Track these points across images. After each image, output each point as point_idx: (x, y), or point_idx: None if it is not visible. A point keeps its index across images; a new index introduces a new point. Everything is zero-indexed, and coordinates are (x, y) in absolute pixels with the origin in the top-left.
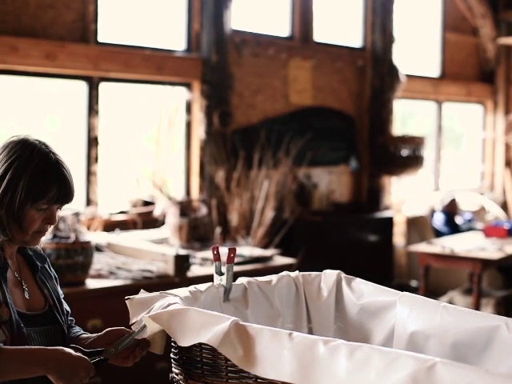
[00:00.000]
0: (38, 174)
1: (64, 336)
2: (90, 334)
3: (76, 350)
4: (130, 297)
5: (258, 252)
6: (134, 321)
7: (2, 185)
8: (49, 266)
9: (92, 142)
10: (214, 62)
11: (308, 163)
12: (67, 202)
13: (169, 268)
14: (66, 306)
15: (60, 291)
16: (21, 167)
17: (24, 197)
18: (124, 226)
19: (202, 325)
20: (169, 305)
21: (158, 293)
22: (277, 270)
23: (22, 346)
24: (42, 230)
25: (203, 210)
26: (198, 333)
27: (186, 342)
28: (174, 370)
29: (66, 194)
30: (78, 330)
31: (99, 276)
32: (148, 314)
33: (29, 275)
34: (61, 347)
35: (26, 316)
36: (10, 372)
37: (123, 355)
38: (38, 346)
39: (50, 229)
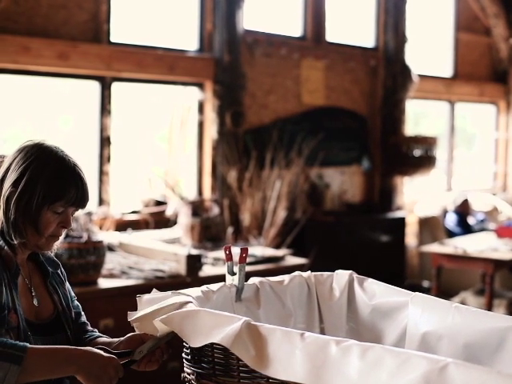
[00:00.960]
0: (55, 175)
1: (70, 344)
2: (109, 339)
3: (103, 351)
4: (141, 295)
5: (270, 252)
6: (133, 317)
7: (18, 187)
8: (61, 272)
9: (104, 141)
10: (227, 62)
11: (320, 163)
12: (83, 206)
13: (181, 268)
14: (81, 311)
15: (72, 293)
16: (38, 169)
17: (42, 198)
18: (136, 225)
19: (214, 326)
20: (180, 305)
21: (169, 292)
22: (289, 270)
23: None
24: (57, 234)
25: (215, 210)
26: (209, 333)
27: (197, 343)
28: (185, 369)
29: (83, 197)
30: (93, 333)
31: (111, 276)
32: (159, 318)
33: (39, 282)
34: (89, 347)
35: (33, 325)
36: (39, 371)
37: (147, 359)
38: None
39: (64, 233)
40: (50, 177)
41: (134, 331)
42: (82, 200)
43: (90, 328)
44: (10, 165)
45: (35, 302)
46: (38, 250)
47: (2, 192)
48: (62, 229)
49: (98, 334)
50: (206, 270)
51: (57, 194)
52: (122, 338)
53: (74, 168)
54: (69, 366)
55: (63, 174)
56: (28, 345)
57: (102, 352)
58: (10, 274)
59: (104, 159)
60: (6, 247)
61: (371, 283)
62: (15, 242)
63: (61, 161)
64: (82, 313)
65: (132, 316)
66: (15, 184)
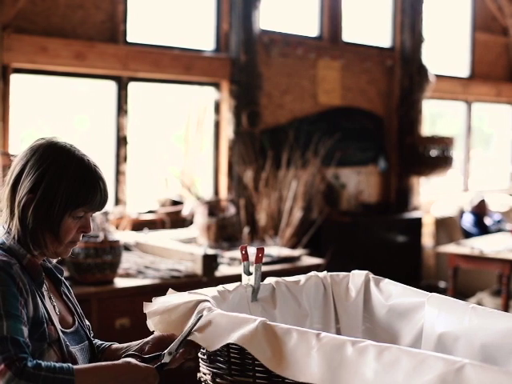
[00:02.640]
0: (77, 179)
1: (94, 351)
2: (122, 344)
3: (136, 357)
4: (156, 298)
5: (286, 252)
6: (148, 310)
7: (36, 194)
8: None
9: (121, 141)
10: (243, 62)
11: (336, 163)
12: (103, 208)
13: (197, 267)
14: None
15: None
16: (58, 172)
17: (64, 204)
18: (152, 225)
19: (229, 327)
20: (196, 303)
21: (185, 292)
22: (305, 270)
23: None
24: (76, 240)
25: (231, 210)
26: (225, 335)
27: (213, 346)
28: (201, 369)
29: (106, 200)
30: (101, 341)
31: (127, 275)
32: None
33: (53, 289)
34: (126, 360)
35: (65, 334)
36: None
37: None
38: (82, 364)
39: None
40: (71, 181)
41: (148, 330)
42: (104, 203)
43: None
44: (24, 167)
45: (57, 311)
46: (56, 257)
47: (17, 198)
48: (81, 234)
49: (105, 342)
50: (222, 270)
51: (80, 200)
52: (143, 341)
53: (95, 170)
54: (115, 383)
55: (85, 178)
56: (72, 366)
57: (138, 363)
58: (36, 283)
59: (120, 159)
60: (28, 255)
61: (387, 283)
62: (34, 253)
63: (81, 162)
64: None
65: (147, 307)
66: (32, 190)
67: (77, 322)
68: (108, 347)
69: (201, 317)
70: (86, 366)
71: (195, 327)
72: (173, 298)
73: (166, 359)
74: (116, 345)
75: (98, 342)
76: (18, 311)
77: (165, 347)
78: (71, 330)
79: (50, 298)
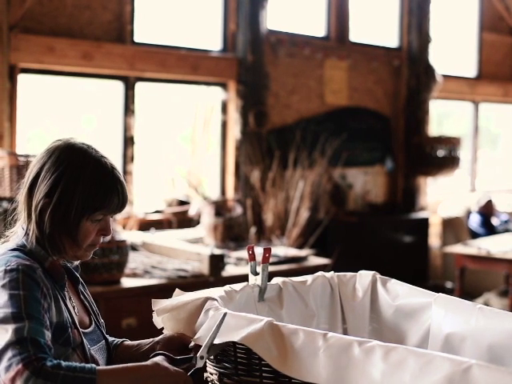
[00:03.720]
0: (94, 182)
1: (110, 350)
2: (133, 342)
3: (165, 357)
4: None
5: (293, 252)
6: (156, 307)
7: (53, 198)
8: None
9: (128, 141)
10: (250, 62)
11: (343, 163)
12: (122, 211)
13: (204, 267)
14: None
15: None
16: (74, 176)
17: (81, 209)
18: (159, 225)
19: (236, 326)
20: (203, 300)
21: (192, 293)
22: (311, 270)
23: None
24: (96, 243)
25: (238, 210)
26: (232, 333)
27: (220, 340)
28: (208, 369)
29: (125, 202)
30: (112, 338)
31: (134, 275)
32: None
33: (72, 289)
34: (155, 361)
35: (84, 335)
36: None
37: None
38: (102, 365)
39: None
40: (88, 184)
41: (156, 329)
42: (123, 205)
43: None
44: (40, 170)
45: (76, 311)
46: (76, 260)
47: (34, 202)
48: (101, 237)
49: (114, 339)
50: (229, 270)
51: (97, 203)
52: (155, 340)
53: (113, 172)
54: None
55: (103, 180)
56: (95, 366)
57: (169, 366)
58: (58, 285)
59: (127, 159)
60: (50, 258)
61: (394, 284)
62: (54, 258)
63: (98, 164)
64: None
65: (156, 304)
66: (49, 194)
67: (93, 322)
68: (120, 344)
69: (225, 315)
70: (110, 367)
71: (221, 325)
72: (180, 298)
73: (200, 364)
74: (127, 342)
75: (109, 338)
76: (39, 314)
77: (175, 347)
78: (89, 329)
79: (69, 299)
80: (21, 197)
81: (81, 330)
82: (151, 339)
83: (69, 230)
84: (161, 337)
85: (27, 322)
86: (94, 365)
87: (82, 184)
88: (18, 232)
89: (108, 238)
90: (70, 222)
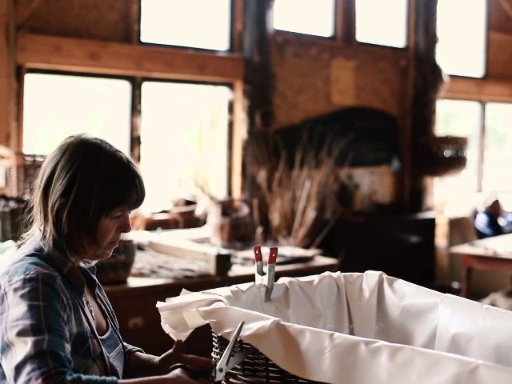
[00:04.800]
0: (111, 178)
1: (125, 356)
2: (144, 355)
3: (184, 369)
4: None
5: (300, 252)
6: (161, 305)
7: (69, 197)
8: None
9: (134, 141)
10: (257, 62)
11: (350, 163)
12: (140, 206)
13: (210, 267)
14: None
15: None
16: (90, 173)
17: (99, 207)
18: (166, 225)
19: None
20: (209, 302)
21: (199, 292)
22: (318, 270)
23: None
24: (116, 240)
25: (245, 210)
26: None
27: (221, 330)
28: None
29: (143, 196)
30: (126, 343)
31: (141, 275)
32: (189, 309)
33: (88, 292)
34: (176, 374)
35: (103, 342)
36: None
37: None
38: (120, 373)
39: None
40: (105, 181)
41: (162, 330)
42: (142, 200)
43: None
44: (54, 169)
45: (93, 316)
46: (96, 259)
47: (49, 203)
48: (120, 233)
49: (127, 346)
50: (236, 270)
51: (115, 200)
52: (167, 354)
53: (130, 166)
54: None
55: (119, 176)
56: (115, 379)
57: (190, 380)
58: (76, 293)
59: (134, 159)
60: (69, 263)
61: (401, 284)
62: (72, 260)
63: (113, 159)
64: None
65: (161, 305)
66: (65, 194)
67: (110, 326)
68: (133, 353)
69: (242, 324)
70: (131, 381)
71: (239, 335)
72: (186, 297)
73: (219, 376)
74: (139, 353)
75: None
76: (59, 326)
77: (188, 361)
78: (106, 335)
79: (87, 303)
80: (35, 198)
81: (99, 337)
82: (161, 357)
83: (88, 228)
84: (172, 350)
85: (47, 334)
86: (114, 378)
87: (98, 181)
88: (35, 234)
89: (127, 234)
90: (89, 221)
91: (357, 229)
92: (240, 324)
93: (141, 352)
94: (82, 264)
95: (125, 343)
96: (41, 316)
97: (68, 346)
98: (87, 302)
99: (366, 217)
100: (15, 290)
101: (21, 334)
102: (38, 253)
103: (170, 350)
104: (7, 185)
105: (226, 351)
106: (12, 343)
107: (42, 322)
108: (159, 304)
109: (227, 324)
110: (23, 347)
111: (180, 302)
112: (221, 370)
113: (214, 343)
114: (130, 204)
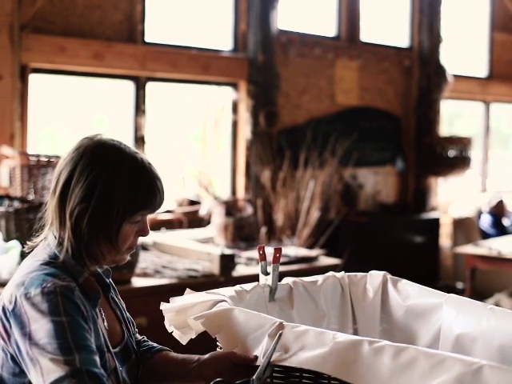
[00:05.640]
0: (135, 181)
1: (138, 367)
2: (180, 356)
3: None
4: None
5: (304, 252)
6: (165, 307)
7: (90, 203)
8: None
9: (139, 141)
10: (261, 62)
11: (354, 163)
12: (160, 209)
13: (214, 267)
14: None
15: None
16: (112, 176)
17: (122, 211)
18: (170, 225)
19: (247, 330)
20: (214, 303)
21: (203, 292)
22: (322, 270)
23: None
24: (134, 245)
25: (249, 210)
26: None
27: (230, 346)
28: None
29: (164, 199)
30: (147, 343)
31: (145, 275)
32: (192, 316)
33: (102, 299)
34: None
35: (116, 355)
36: None
37: None
38: None
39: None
40: (127, 185)
41: (166, 330)
42: (162, 203)
43: (139, 336)
44: (72, 173)
45: (106, 325)
46: (113, 265)
47: (68, 208)
48: (138, 238)
49: (153, 344)
50: (240, 270)
51: (139, 204)
52: (202, 358)
53: (151, 169)
54: None
55: (142, 180)
56: None
57: None
58: (92, 303)
59: None
60: (85, 273)
61: (405, 284)
62: (88, 269)
63: (134, 162)
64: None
65: (165, 307)
66: (85, 199)
67: (125, 335)
68: (159, 352)
69: (281, 334)
70: None
71: (277, 344)
72: (190, 297)
73: None
74: (170, 353)
75: (145, 342)
76: (87, 341)
77: (224, 367)
78: (120, 347)
79: (100, 311)
80: (50, 203)
81: (113, 350)
82: (197, 357)
83: (109, 235)
84: (208, 356)
85: (76, 352)
86: None
87: (121, 185)
88: (49, 240)
89: (145, 238)
90: (111, 227)
91: (361, 229)
92: (279, 334)
93: (169, 351)
94: (97, 269)
95: (148, 342)
96: (67, 333)
97: (98, 360)
98: (100, 310)
99: (370, 217)
100: (33, 304)
101: (49, 352)
102: (52, 260)
103: (207, 357)
104: (11, 185)
105: (265, 360)
106: (38, 360)
107: (69, 339)
108: (163, 306)
109: (234, 340)
110: (54, 367)
111: (184, 304)
112: (259, 379)
113: (218, 343)
114: (152, 208)
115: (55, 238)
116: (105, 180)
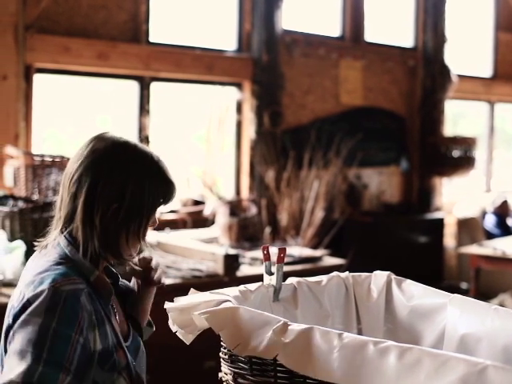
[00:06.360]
0: (158, 178)
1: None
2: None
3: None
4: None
5: (308, 252)
6: (169, 306)
7: (122, 203)
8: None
9: (143, 141)
10: (265, 62)
11: (358, 163)
12: None
13: (218, 267)
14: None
15: None
16: (140, 177)
17: (151, 207)
18: (174, 225)
19: (252, 330)
20: (218, 302)
21: (207, 292)
22: (326, 270)
23: None
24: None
25: (253, 210)
26: (248, 343)
27: (233, 343)
28: (223, 369)
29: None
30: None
31: None
32: (197, 312)
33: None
34: None
35: (128, 349)
36: None
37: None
38: (144, 376)
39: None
40: (153, 183)
41: (169, 329)
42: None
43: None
44: (96, 176)
45: (117, 318)
46: (126, 260)
47: (98, 211)
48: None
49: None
50: (244, 270)
51: (163, 197)
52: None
53: (163, 163)
54: None
55: (162, 175)
56: None
57: None
58: (103, 301)
59: None
60: (96, 271)
61: (409, 284)
62: (100, 267)
63: (151, 158)
64: None
65: (169, 306)
66: (117, 200)
67: (131, 329)
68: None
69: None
70: None
71: None
72: (194, 297)
73: None
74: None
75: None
76: (62, 358)
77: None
78: (130, 339)
79: (112, 307)
80: (68, 205)
81: (126, 345)
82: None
83: (138, 230)
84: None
85: (43, 365)
86: None
87: (148, 183)
88: (59, 240)
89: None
90: (141, 223)
91: (365, 229)
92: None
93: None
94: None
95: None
96: (46, 342)
97: (67, 378)
98: (112, 306)
99: (375, 217)
100: (38, 302)
101: (21, 353)
102: (63, 260)
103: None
104: (16, 185)
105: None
106: (9, 355)
107: (44, 349)
108: (167, 304)
109: (238, 337)
110: (15, 367)
111: (188, 303)
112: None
113: (222, 343)
114: (171, 199)
115: (65, 238)
116: (134, 179)
